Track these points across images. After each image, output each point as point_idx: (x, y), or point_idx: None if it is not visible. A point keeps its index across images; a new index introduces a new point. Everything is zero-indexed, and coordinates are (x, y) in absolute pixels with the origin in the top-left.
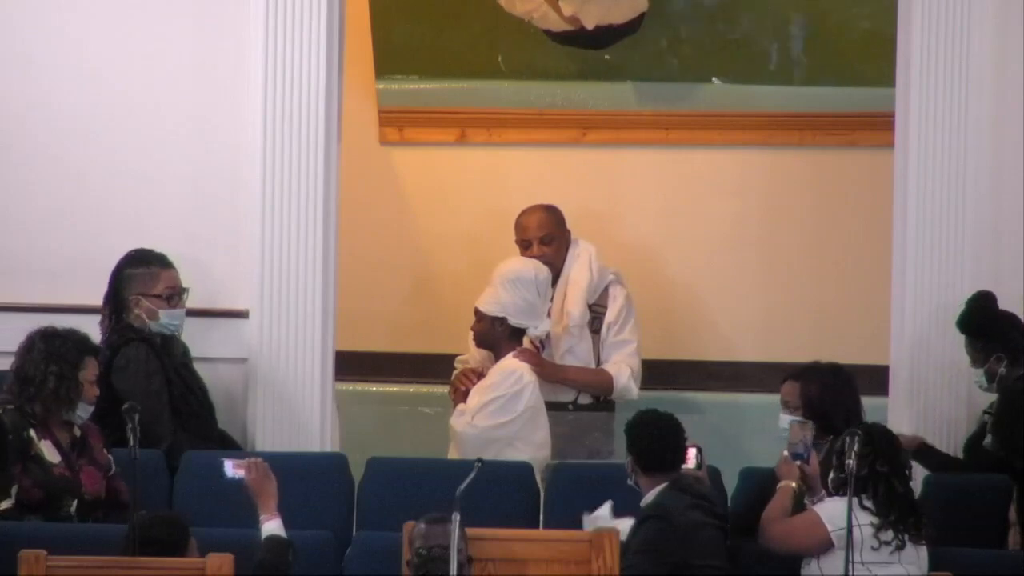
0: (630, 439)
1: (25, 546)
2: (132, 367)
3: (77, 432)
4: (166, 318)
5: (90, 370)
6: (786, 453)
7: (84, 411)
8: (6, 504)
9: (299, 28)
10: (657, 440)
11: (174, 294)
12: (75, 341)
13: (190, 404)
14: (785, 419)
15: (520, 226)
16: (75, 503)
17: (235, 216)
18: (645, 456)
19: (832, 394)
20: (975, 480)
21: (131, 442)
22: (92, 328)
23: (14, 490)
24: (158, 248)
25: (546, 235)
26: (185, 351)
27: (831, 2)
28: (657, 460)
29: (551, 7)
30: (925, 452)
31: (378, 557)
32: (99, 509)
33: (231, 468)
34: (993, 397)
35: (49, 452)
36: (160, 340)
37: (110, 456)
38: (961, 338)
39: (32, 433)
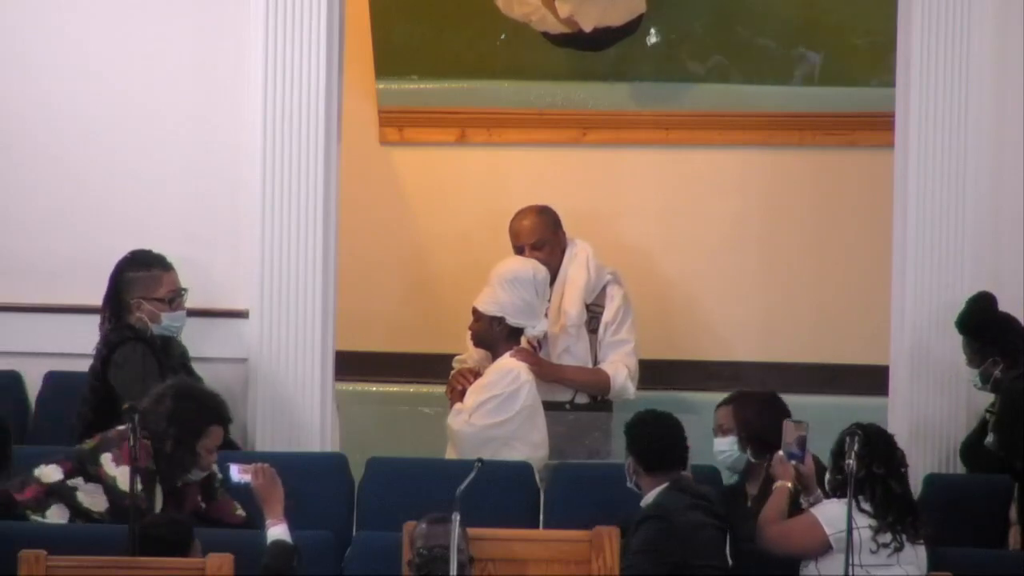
0: (630, 439)
1: (25, 546)
2: (129, 366)
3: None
4: (168, 320)
5: (212, 439)
6: (781, 453)
7: (196, 475)
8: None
9: (299, 28)
10: (659, 440)
11: (176, 296)
12: (205, 408)
13: None
14: (719, 443)
15: (512, 232)
16: None
17: (235, 216)
18: (647, 456)
19: (768, 416)
20: (975, 480)
21: (131, 442)
22: (92, 328)
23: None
24: (158, 248)
25: (537, 240)
26: (183, 351)
27: (831, 3)
28: (659, 460)
29: (549, 10)
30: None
31: (378, 557)
32: None
33: (237, 472)
34: (992, 396)
35: (127, 481)
36: (160, 341)
37: (202, 504)
38: (960, 338)
39: (107, 457)
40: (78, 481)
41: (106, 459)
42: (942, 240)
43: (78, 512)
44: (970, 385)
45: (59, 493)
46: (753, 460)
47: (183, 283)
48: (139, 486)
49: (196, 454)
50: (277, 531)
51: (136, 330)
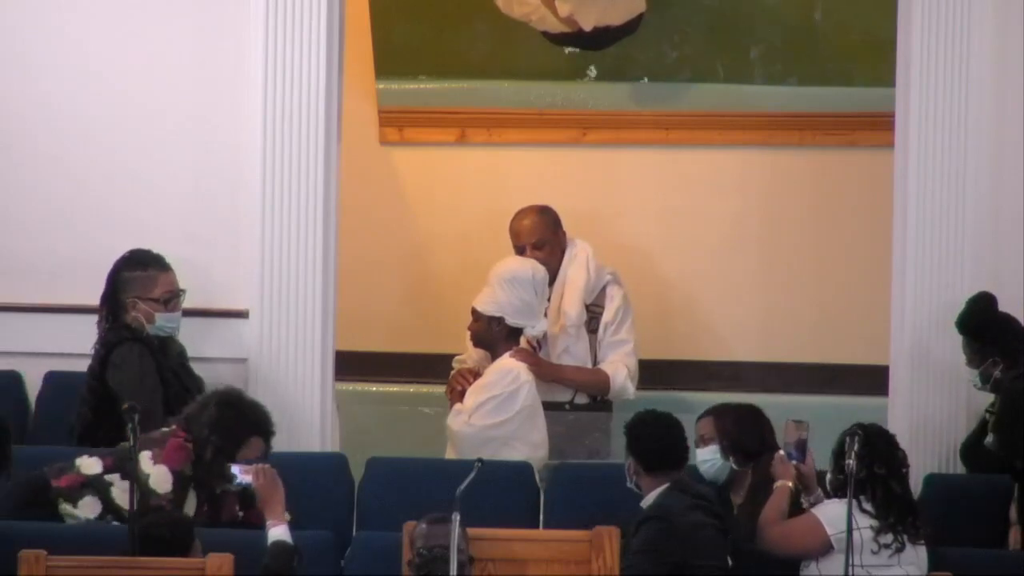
0: (631, 440)
1: (25, 546)
2: (126, 366)
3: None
4: (162, 321)
5: (252, 449)
6: (782, 453)
7: (235, 487)
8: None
9: (299, 28)
10: (660, 440)
11: (172, 297)
12: (247, 418)
13: (183, 404)
14: (702, 453)
15: (512, 231)
16: None
17: (235, 216)
18: (648, 456)
19: (746, 424)
20: (975, 480)
21: (131, 442)
22: (92, 328)
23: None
24: (158, 248)
25: (538, 240)
26: (182, 351)
27: (831, 2)
28: (661, 460)
29: (549, 9)
30: None
31: (378, 557)
32: None
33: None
34: (992, 396)
35: (160, 481)
36: (158, 341)
37: (240, 512)
38: (960, 338)
39: (146, 455)
40: (115, 477)
41: (144, 456)
42: (942, 240)
43: (109, 508)
44: (970, 385)
45: (95, 486)
46: (736, 468)
47: (183, 284)
48: (168, 487)
49: (235, 463)
50: (278, 532)
51: (133, 330)
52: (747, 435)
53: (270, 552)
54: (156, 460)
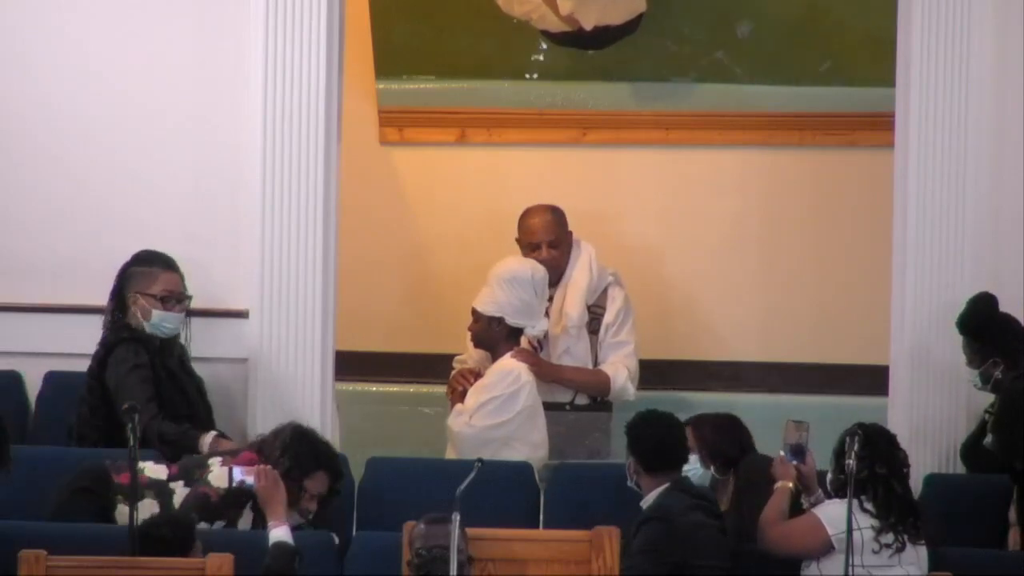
0: (632, 439)
1: (25, 546)
2: (123, 367)
3: None
4: (158, 319)
5: (318, 483)
6: (782, 453)
7: (294, 519)
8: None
9: (299, 28)
10: (660, 440)
11: (170, 297)
12: (319, 453)
13: (177, 406)
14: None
15: (528, 228)
16: None
17: (235, 216)
18: (649, 456)
19: (724, 433)
20: (975, 480)
21: (131, 442)
22: (92, 328)
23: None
24: (157, 248)
25: (554, 239)
26: (183, 352)
27: (831, 2)
28: (661, 459)
29: (550, 8)
30: None
31: (378, 557)
32: None
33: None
34: (992, 397)
35: (218, 478)
36: (159, 342)
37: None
38: (961, 338)
39: (215, 460)
40: (178, 484)
41: (215, 462)
42: (942, 240)
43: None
44: (970, 385)
45: (157, 489)
46: (718, 476)
47: (189, 290)
48: (224, 484)
49: (302, 490)
50: (279, 533)
51: (133, 329)
52: (726, 443)
53: (271, 553)
54: (225, 463)
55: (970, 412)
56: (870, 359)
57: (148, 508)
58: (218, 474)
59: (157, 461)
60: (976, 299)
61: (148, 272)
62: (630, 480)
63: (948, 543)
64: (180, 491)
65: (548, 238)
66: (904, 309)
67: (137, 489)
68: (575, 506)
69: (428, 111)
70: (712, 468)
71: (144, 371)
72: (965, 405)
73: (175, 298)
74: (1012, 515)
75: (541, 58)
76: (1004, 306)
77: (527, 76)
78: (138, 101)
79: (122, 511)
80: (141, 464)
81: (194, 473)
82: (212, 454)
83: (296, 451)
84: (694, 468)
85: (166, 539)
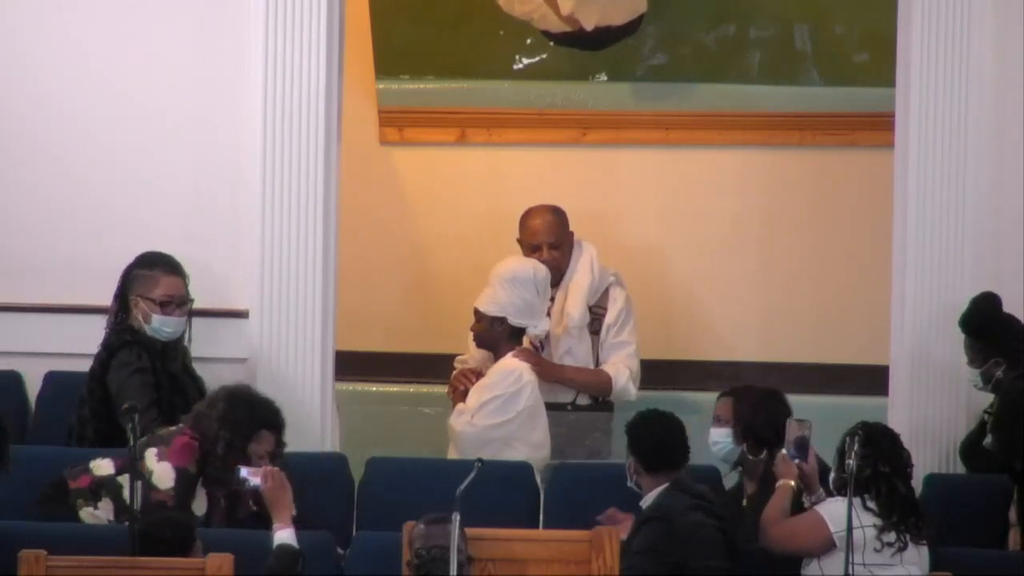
0: (632, 439)
1: (25, 546)
2: (124, 369)
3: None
4: (158, 323)
5: (263, 444)
6: (784, 452)
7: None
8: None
9: (299, 28)
10: (661, 439)
11: (170, 301)
12: (257, 413)
13: (177, 409)
14: (715, 433)
15: (529, 229)
16: None
17: (235, 216)
18: (649, 456)
19: (764, 412)
20: (975, 480)
21: (131, 442)
22: (91, 328)
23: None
24: (158, 248)
25: (555, 239)
26: (185, 354)
27: (831, 2)
28: (661, 459)
29: (551, 8)
30: None
31: (378, 557)
32: None
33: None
34: (992, 397)
35: (163, 478)
36: (160, 345)
37: (254, 506)
38: (961, 338)
39: (151, 452)
40: (125, 478)
41: (150, 454)
42: (942, 240)
43: (122, 508)
44: (970, 385)
45: (107, 487)
46: (749, 456)
47: (191, 294)
48: (170, 483)
49: (248, 457)
50: (284, 535)
51: (135, 332)
52: (762, 424)
53: (274, 554)
54: (161, 457)
55: (970, 412)
56: (870, 359)
57: (106, 509)
58: (160, 473)
59: (104, 455)
60: (979, 298)
61: (150, 275)
62: (630, 480)
63: (948, 543)
64: (128, 485)
65: (549, 239)
66: (904, 309)
67: (137, 491)
68: (575, 506)
69: (428, 111)
70: (744, 447)
71: (145, 375)
72: (965, 405)
73: (176, 302)
74: (1012, 515)
75: (544, 56)
76: (1005, 306)
77: (523, 71)
78: (138, 101)
79: (85, 513)
80: (92, 463)
81: (137, 464)
82: (151, 441)
83: (233, 419)
84: (724, 442)
85: (166, 539)
